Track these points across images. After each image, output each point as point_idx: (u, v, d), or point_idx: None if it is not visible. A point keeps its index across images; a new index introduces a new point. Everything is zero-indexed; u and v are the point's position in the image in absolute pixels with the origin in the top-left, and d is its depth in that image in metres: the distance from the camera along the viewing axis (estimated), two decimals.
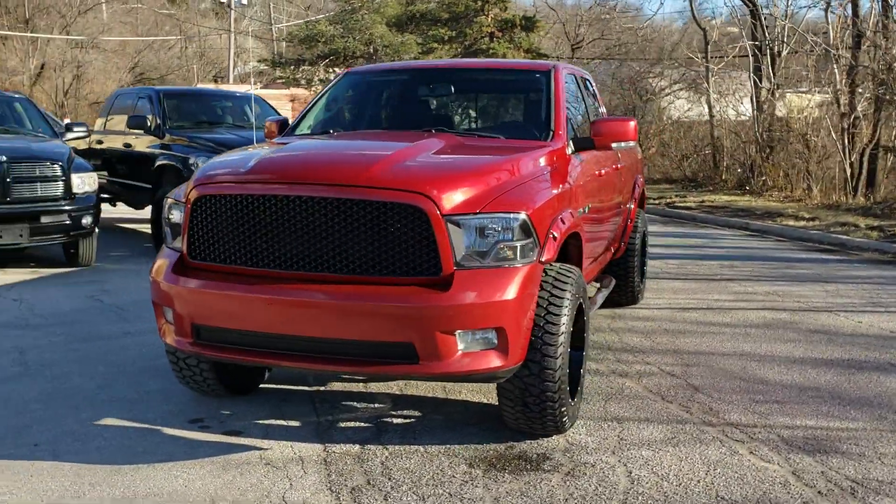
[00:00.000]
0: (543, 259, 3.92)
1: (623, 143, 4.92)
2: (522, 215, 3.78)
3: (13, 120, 9.89)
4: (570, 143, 4.86)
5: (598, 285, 6.57)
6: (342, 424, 4.39)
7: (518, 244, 3.77)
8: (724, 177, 19.30)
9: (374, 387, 4.98)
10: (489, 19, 27.97)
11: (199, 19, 55.20)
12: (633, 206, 7.03)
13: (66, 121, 18.56)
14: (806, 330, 6.55)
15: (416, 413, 4.59)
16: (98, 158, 11.77)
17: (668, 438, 4.26)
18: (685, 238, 12.23)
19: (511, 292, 3.69)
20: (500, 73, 5.50)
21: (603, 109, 6.53)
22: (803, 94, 19.36)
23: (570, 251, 4.61)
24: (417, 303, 3.56)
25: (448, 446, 4.11)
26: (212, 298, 3.84)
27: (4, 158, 8.19)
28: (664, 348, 5.98)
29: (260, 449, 4.05)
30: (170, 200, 4.20)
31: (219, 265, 3.92)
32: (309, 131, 5.25)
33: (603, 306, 7.24)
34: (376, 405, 4.70)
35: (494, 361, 3.71)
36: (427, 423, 4.44)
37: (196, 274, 3.96)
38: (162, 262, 4.13)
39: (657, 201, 16.80)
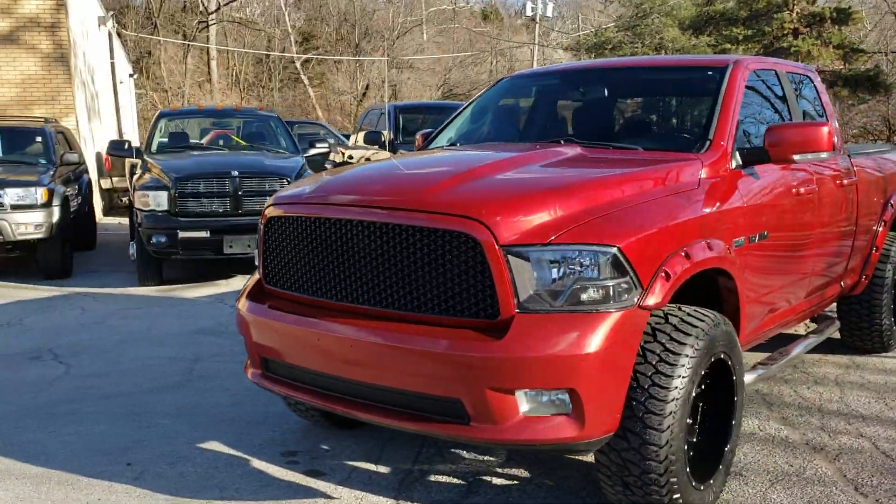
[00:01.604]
0: (650, 303, 3.07)
1: (810, 155, 3.81)
2: (612, 248, 2.98)
3: (264, 136, 10.60)
4: (736, 155, 3.86)
5: (813, 326, 5.33)
6: (433, 478, 3.86)
7: (606, 284, 2.98)
8: None
9: None
10: (793, 14, 25.34)
11: (511, 34, 56.94)
12: (881, 230, 5.60)
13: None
14: None
15: (525, 473, 3.90)
16: None
17: None
18: None
19: (590, 345, 2.91)
20: (663, 73, 4.57)
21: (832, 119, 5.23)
22: None
23: (723, 293, 3.65)
24: (462, 351, 2.93)
25: None
26: (271, 329, 3.53)
27: (237, 174, 8.72)
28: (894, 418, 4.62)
29: (327, 497, 3.66)
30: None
31: (286, 292, 3.60)
32: (446, 143, 4.77)
33: (841, 352, 5.90)
34: (486, 458, 4.09)
35: (566, 431, 2.96)
36: (530, 488, 3.74)
37: (267, 301, 3.68)
38: (246, 287, 3.92)
39: None
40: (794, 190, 4.27)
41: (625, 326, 3.00)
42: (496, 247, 2.93)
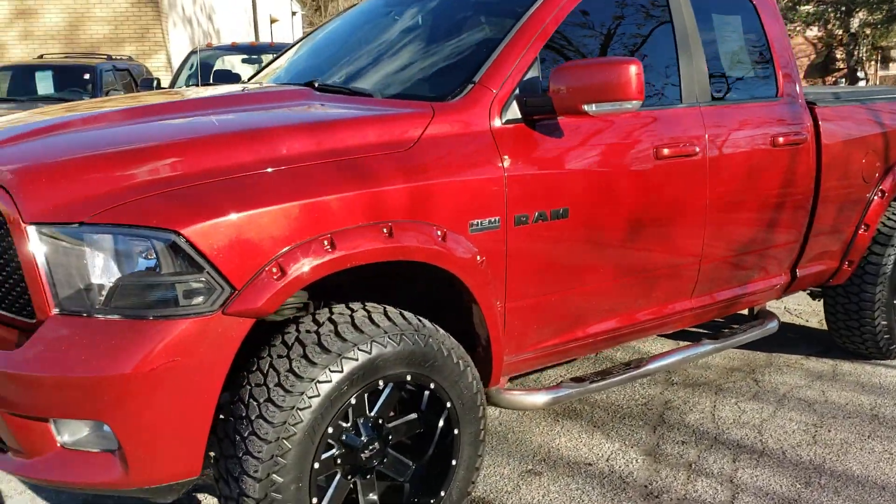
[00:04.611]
0: (249, 308, 2.23)
1: (608, 106, 2.70)
2: (169, 234, 2.14)
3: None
4: (514, 105, 2.81)
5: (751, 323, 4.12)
6: None
7: (166, 281, 2.17)
8: None
9: None
10: None
11: None
12: (875, 200, 4.23)
13: None
14: None
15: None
16: None
17: None
18: None
19: (125, 364, 2.13)
20: None
21: (785, 59, 3.83)
22: None
23: (463, 296, 2.71)
24: None
25: None
26: None
27: None
28: (810, 458, 3.42)
29: None
30: None
31: None
32: (266, 78, 3.94)
33: (835, 354, 4.66)
34: None
35: (106, 474, 2.23)
36: None
37: None
38: None
39: None
40: (646, 152, 3.13)
41: (198, 339, 2.19)
42: (22, 224, 2.21)
